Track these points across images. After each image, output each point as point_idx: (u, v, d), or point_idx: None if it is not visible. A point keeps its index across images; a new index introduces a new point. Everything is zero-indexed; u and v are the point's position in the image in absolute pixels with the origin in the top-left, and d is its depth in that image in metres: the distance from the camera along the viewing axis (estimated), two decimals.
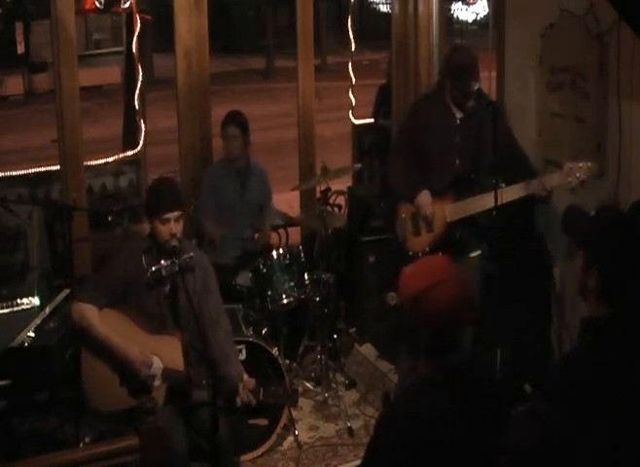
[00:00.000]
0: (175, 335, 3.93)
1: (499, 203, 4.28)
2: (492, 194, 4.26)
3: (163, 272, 3.90)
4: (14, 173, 5.46)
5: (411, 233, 4.77)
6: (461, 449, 2.38)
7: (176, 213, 3.92)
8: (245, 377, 4.01)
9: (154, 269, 3.89)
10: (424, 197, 4.66)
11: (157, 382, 3.88)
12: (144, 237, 4.09)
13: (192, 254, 3.90)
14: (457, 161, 4.70)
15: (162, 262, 3.89)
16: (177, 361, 3.89)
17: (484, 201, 4.47)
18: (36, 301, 4.81)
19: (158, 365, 3.89)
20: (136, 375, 3.87)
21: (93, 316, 3.92)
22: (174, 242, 3.88)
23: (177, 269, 3.86)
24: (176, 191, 4.11)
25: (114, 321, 3.95)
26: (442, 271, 2.47)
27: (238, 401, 3.89)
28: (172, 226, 3.90)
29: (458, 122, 4.72)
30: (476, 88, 4.36)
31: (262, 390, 3.93)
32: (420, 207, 4.66)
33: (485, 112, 4.47)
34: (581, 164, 4.36)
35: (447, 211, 4.64)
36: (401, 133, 5.13)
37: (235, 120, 5.52)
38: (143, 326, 3.95)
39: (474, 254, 4.78)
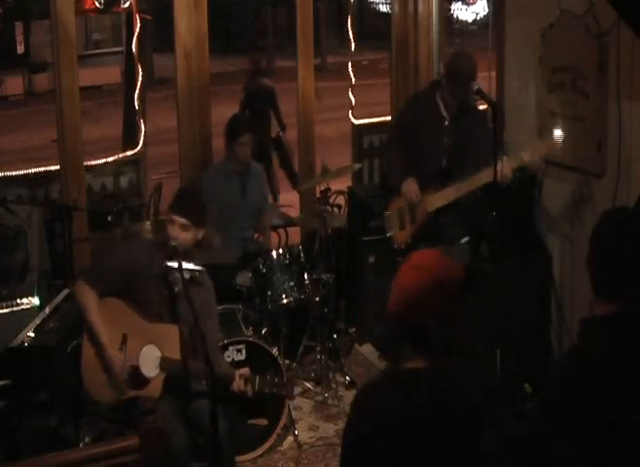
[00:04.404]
0: (174, 324, 3.94)
1: (464, 193, 4.71)
2: (464, 181, 4.68)
3: (170, 275, 3.90)
4: (13, 173, 5.45)
5: (397, 228, 4.99)
6: (422, 452, 2.28)
7: (183, 220, 3.93)
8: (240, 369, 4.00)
9: (167, 263, 3.87)
10: (410, 184, 4.86)
11: (152, 373, 3.89)
12: (159, 235, 4.10)
13: (201, 268, 3.93)
14: (444, 162, 4.89)
15: (169, 262, 3.88)
16: (176, 350, 3.89)
17: (458, 189, 4.74)
18: (36, 301, 4.81)
19: (155, 353, 3.90)
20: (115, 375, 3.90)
21: (91, 301, 3.97)
22: (173, 242, 3.89)
23: (184, 275, 3.82)
24: (198, 203, 4.09)
25: (112, 309, 3.98)
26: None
27: (234, 386, 3.86)
28: (175, 230, 3.92)
29: (447, 123, 4.87)
30: (475, 88, 4.38)
31: (257, 379, 3.91)
32: (406, 193, 4.87)
33: (473, 116, 4.84)
34: (539, 142, 4.58)
35: (427, 201, 4.82)
36: (393, 129, 5.37)
37: (247, 126, 5.55)
38: (143, 315, 3.97)
39: (462, 241, 4.91)
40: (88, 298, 3.98)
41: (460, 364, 2.39)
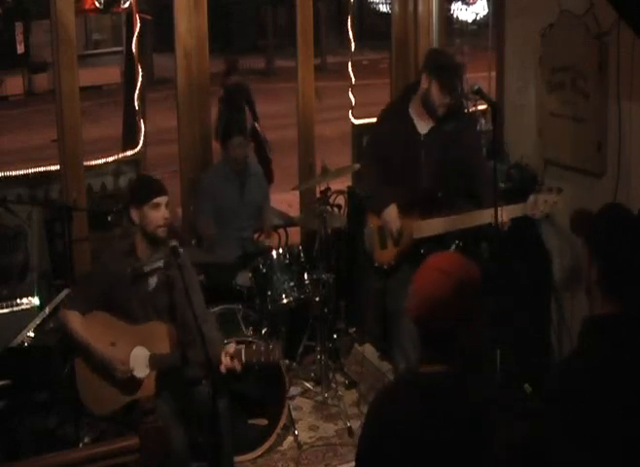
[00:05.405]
0: (160, 320, 3.96)
1: (457, 228, 4.49)
2: (459, 216, 4.45)
3: (146, 269, 3.96)
4: (13, 173, 5.45)
5: (378, 246, 4.73)
6: (432, 452, 2.30)
7: (165, 197, 4.00)
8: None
9: (144, 261, 3.97)
10: (391, 213, 4.60)
11: (143, 373, 3.89)
12: (126, 239, 4.14)
13: (175, 243, 3.85)
14: (423, 177, 4.63)
15: (144, 258, 3.97)
16: (164, 345, 3.90)
17: (450, 223, 4.49)
18: (36, 301, 4.81)
19: (143, 353, 3.90)
20: (116, 374, 3.90)
21: (75, 321, 3.99)
22: (173, 242, 3.86)
23: (162, 264, 3.91)
24: (158, 180, 4.20)
25: (98, 321, 4.00)
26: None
27: (223, 368, 3.83)
28: (163, 211, 3.96)
29: (422, 138, 4.63)
30: (475, 88, 4.34)
31: (243, 351, 3.87)
32: (387, 223, 4.62)
33: (459, 122, 4.62)
34: (546, 198, 4.31)
35: (414, 228, 4.57)
36: (369, 146, 5.08)
37: (240, 128, 5.57)
38: (128, 320, 3.98)
39: (452, 247, 4.76)
40: (72, 321, 4.00)
41: (470, 367, 2.39)
